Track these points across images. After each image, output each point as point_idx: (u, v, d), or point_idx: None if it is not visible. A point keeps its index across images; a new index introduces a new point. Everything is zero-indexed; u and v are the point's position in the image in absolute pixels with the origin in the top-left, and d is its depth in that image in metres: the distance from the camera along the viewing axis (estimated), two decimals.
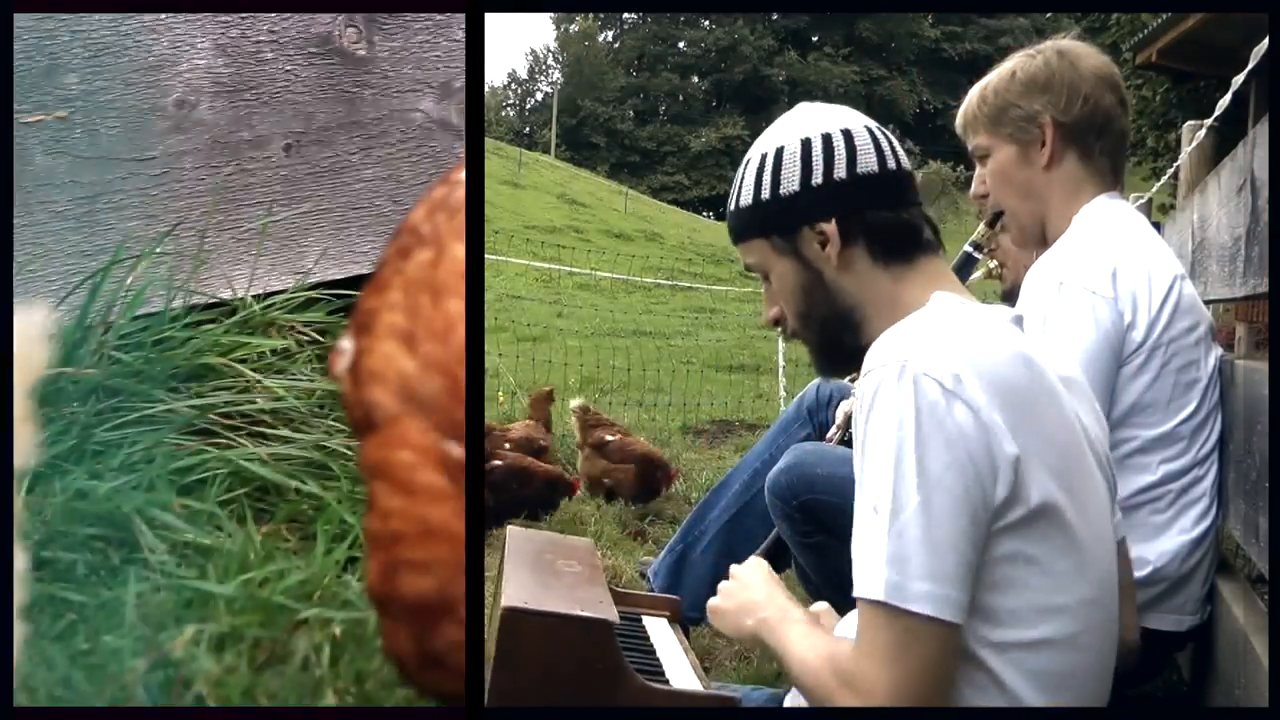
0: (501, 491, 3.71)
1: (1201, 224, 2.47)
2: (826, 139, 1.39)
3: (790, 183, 1.39)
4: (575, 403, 4.48)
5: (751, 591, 1.48)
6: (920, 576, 1.19)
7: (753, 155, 1.45)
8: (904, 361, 1.23)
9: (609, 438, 4.22)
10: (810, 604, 2.80)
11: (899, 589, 1.19)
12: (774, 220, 1.41)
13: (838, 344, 1.43)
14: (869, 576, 1.21)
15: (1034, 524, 1.24)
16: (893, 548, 1.20)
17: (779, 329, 1.49)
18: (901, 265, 1.39)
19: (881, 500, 1.21)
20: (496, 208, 24.75)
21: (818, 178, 1.38)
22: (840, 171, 1.38)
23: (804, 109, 1.46)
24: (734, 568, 1.55)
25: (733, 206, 1.46)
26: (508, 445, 3.99)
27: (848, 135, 1.39)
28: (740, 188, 1.45)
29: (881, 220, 1.39)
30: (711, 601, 1.52)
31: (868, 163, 1.39)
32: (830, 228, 1.38)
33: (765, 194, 1.41)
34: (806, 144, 1.40)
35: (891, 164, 1.40)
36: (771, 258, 1.43)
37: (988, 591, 1.23)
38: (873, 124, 1.43)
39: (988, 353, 1.26)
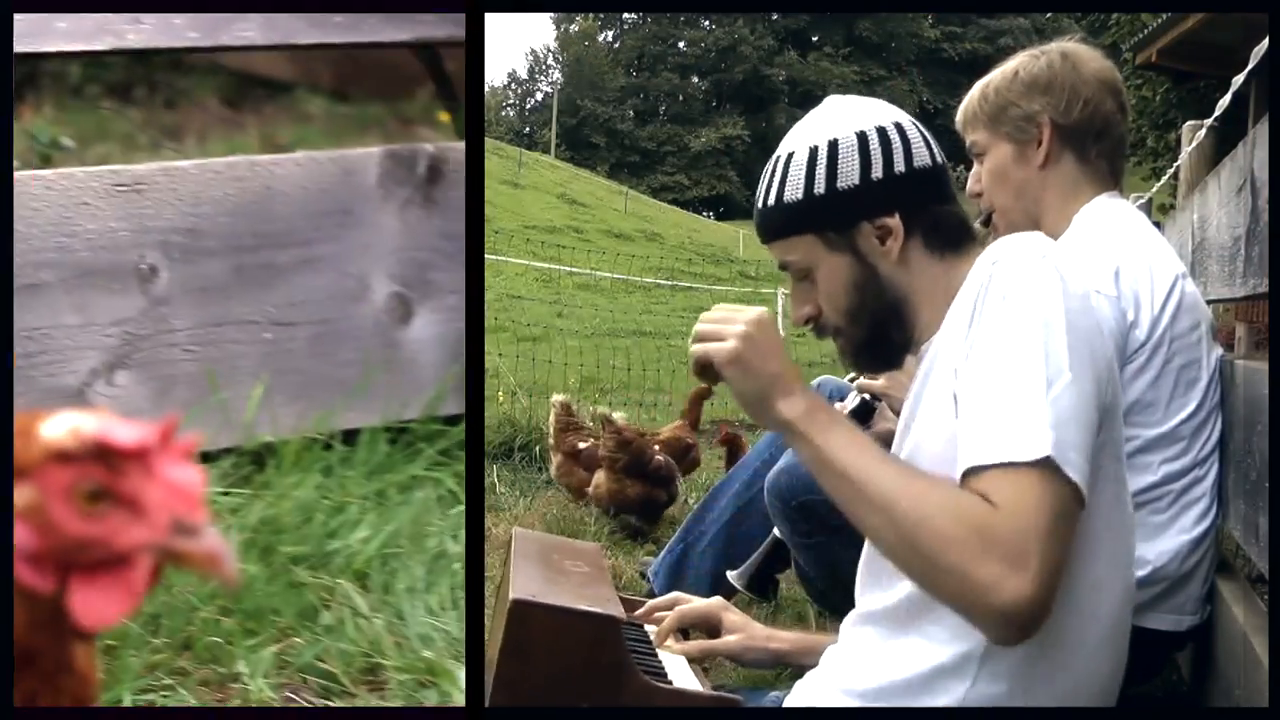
0: (658, 486, 3.80)
1: (1201, 224, 2.46)
2: (881, 132, 1.38)
3: (848, 177, 1.37)
4: (556, 398, 4.44)
5: (784, 362, 1.30)
6: (1074, 447, 1.14)
7: (795, 149, 1.40)
8: (1043, 254, 1.25)
9: (581, 445, 4.14)
10: (812, 605, 2.82)
11: (1063, 452, 1.12)
12: (830, 215, 1.38)
13: (885, 338, 1.41)
14: (1026, 438, 1.12)
15: (1107, 454, 1.23)
16: (1054, 413, 1.14)
17: (810, 326, 1.44)
18: (955, 255, 1.39)
19: (1031, 369, 1.16)
20: (496, 208, 24.75)
21: (877, 172, 1.36)
22: (900, 165, 1.37)
23: (840, 102, 1.44)
24: (750, 312, 1.33)
25: (772, 202, 1.41)
26: (656, 447, 3.97)
27: (900, 129, 1.39)
28: (783, 183, 1.40)
29: (939, 213, 1.39)
30: (730, 346, 1.29)
31: (921, 156, 1.38)
32: (894, 222, 1.37)
33: (819, 189, 1.37)
34: (862, 137, 1.37)
35: (939, 158, 1.41)
36: (821, 254, 1.39)
37: None
38: (912, 118, 1.43)
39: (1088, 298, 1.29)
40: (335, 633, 1.97)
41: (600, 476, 3.81)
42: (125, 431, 0.98)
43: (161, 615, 1.96)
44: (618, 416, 4.05)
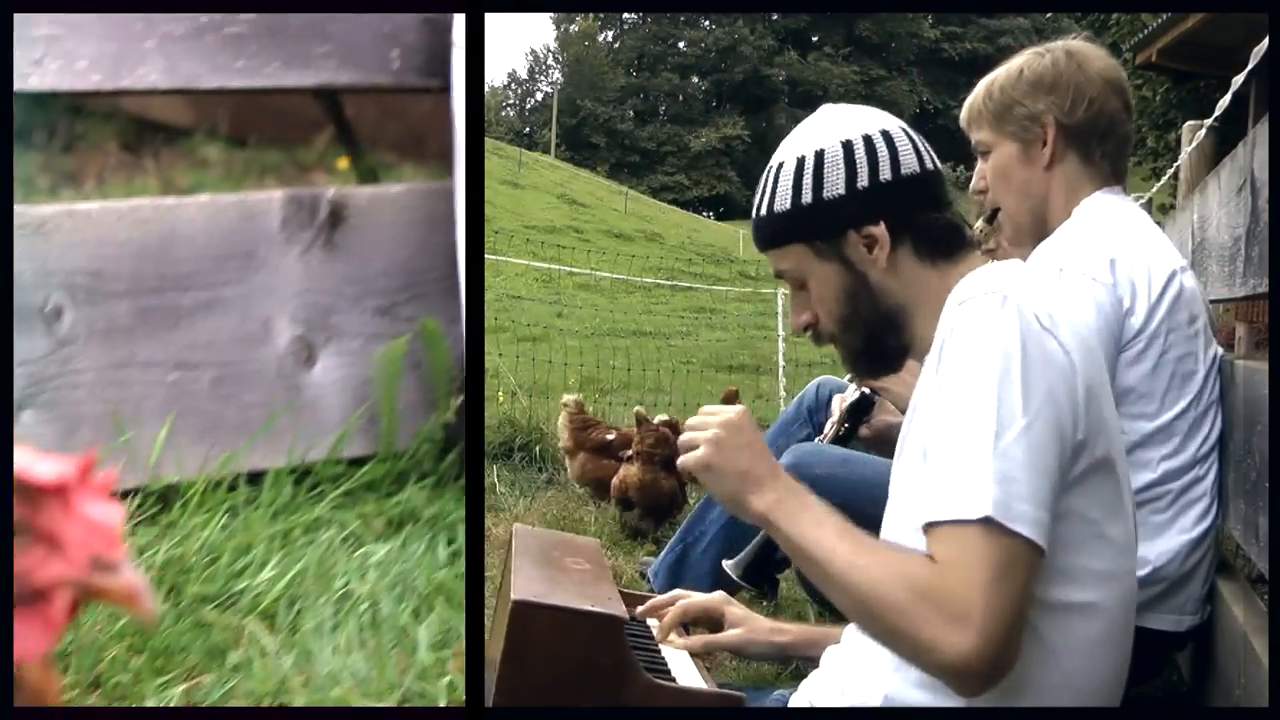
0: (682, 486, 3.90)
1: (1201, 224, 2.47)
2: (868, 140, 1.38)
3: (834, 187, 1.37)
4: (569, 398, 4.45)
5: (756, 459, 1.35)
6: (1024, 499, 1.16)
7: (785, 159, 1.42)
8: (1005, 292, 1.24)
9: (609, 437, 4.18)
10: (812, 605, 2.81)
11: (1006, 508, 1.15)
12: (817, 225, 1.39)
13: (880, 346, 1.42)
14: (970, 495, 1.16)
15: (1095, 479, 1.24)
16: (999, 467, 1.16)
17: (810, 334, 1.46)
18: (947, 263, 1.38)
19: (981, 422, 1.18)
20: (496, 208, 24.77)
21: (863, 180, 1.37)
22: (885, 173, 1.37)
23: (831, 111, 1.45)
24: (722, 416, 1.37)
25: (764, 212, 1.43)
26: None
27: (887, 137, 1.39)
28: (774, 193, 1.41)
29: (928, 220, 1.39)
30: (701, 454, 1.35)
31: (909, 163, 1.38)
32: (879, 230, 1.37)
33: (806, 198, 1.38)
34: (848, 146, 1.38)
35: (929, 164, 1.40)
36: (811, 263, 1.41)
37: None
38: (904, 124, 1.42)
39: (1070, 309, 1.28)
40: (243, 671, 1.98)
41: (631, 469, 3.85)
42: (44, 467, 0.97)
43: (70, 653, 1.97)
44: (659, 418, 4.16)
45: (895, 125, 1.41)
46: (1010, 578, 1.15)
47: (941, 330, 1.27)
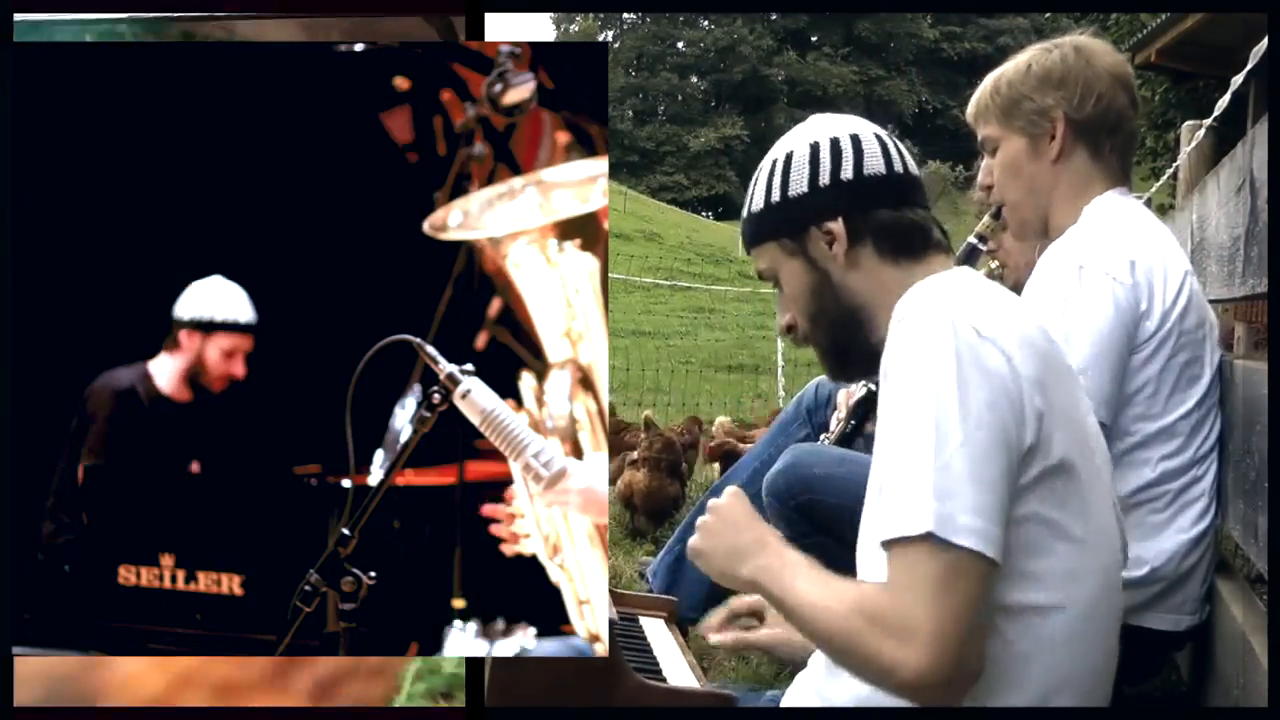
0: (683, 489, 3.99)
1: (1200, 224, 2.47)
2: (834, 143, 1.43)
3: (798, 185, 1.43)
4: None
5: (741, 534, 1.41)
6: (967, 511, 1.17)
7: (764, 163, 1.48)
8: (939, 306, 1.25)
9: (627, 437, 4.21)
10: None
11: (947, 522, 1.17)
12: (782, 222, 1.44)
13: (849, 345, 1.44)
14: (911, 512, 1.18)
15: (1053, 482, 1.24)
16: (939, 482, 1.18)
17: (791, 335, 1.50)
18: (911, 261, 1.40)
19: (921, 438, 1.20)
20: None
21: (824, 179, 1.41)
22: (846, 172, 1.41)
23: (813, 120, 1.49)
24: (712, 502, 1.47)
25: (744, 214, 1.50)
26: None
27: (855, 139, 1.43)
28: (752, 195, 1.48)
29: (888, 218, 1.41)
30: (692, 541, 1.45)
31: (874, 165, 1.42)
32: (837, 227, 1.40)
33: (775, 198, 1.44)
34: (814, 148, 1.43)
35: (899, 168, 1.43)
36: (781, 260, 1.46)
37: (1007, 554, 1.22)
38: (883, 132, 1.46)
39: (1015, 312, 1.28)
40: None
41: (638, 474, 3.87)
42: None
43: None
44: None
45: (868, 131, 1.45)
46: (956, 590, 1.17)
47: (886, 347, 1.30)
